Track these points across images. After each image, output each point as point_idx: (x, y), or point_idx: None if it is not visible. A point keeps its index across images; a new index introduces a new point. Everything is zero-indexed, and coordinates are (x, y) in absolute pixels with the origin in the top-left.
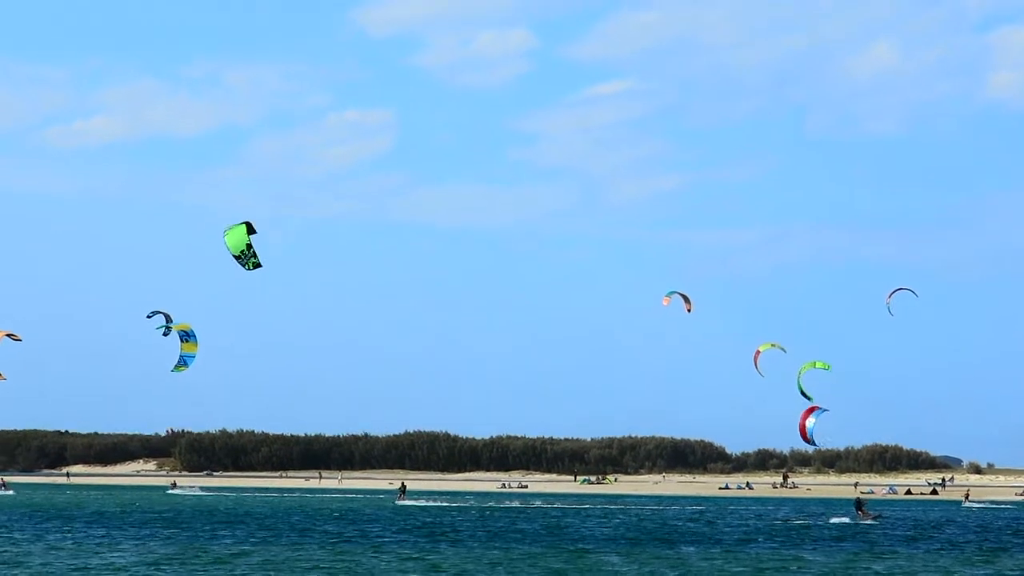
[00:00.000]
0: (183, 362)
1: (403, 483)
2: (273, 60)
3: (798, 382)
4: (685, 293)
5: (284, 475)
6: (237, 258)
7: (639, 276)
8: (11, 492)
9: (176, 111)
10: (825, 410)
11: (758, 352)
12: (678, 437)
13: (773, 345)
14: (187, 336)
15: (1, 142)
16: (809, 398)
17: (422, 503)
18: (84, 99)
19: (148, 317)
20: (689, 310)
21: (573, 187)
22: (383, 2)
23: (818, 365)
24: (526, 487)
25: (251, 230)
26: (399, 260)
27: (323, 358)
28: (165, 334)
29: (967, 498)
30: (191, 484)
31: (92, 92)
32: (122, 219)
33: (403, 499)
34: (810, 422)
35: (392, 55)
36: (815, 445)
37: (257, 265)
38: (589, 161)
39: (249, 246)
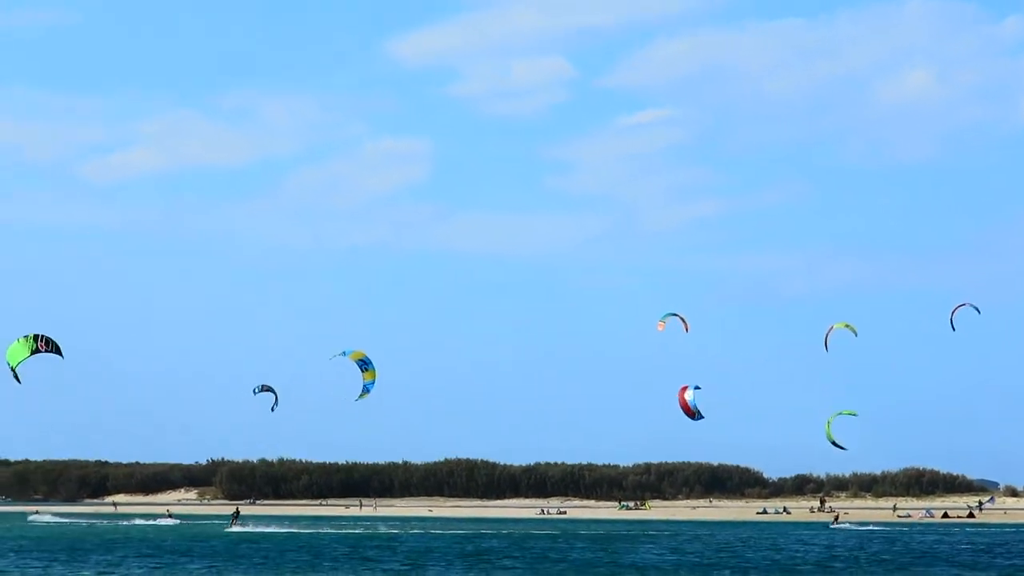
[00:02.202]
0: (365, 390)
1: (237, 509)
2: (309, 91)
3: (827, 432)
4: (680, 314)
5: (324, 503)
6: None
7: (676, 302)
8: (176, 521)
9: (213, 143)
10: (698, 387)
11: (831, 328)
12: (715, 463)
13: (847, 325)
14: (365, 364)
15: (39, 175)
16: (841, 447)
17: (260, 528)
18: (121, 131)
19: (255, 393)
20: (687, 330)
21: (609, 215)
22: (418, 32)
23: (844, 412)
24: (564, 513)
25: (46, 347)
26: (435, 288)
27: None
28: (272, 408)
29: (836, 520)
30: (49, 511)
31: (129, 124)
32: (160, 251)
33: (235, 525)
34: (688, 395)
35: (428, 85)
36: (702, 417)
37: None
38: (625, 189)
39: (13, 368)
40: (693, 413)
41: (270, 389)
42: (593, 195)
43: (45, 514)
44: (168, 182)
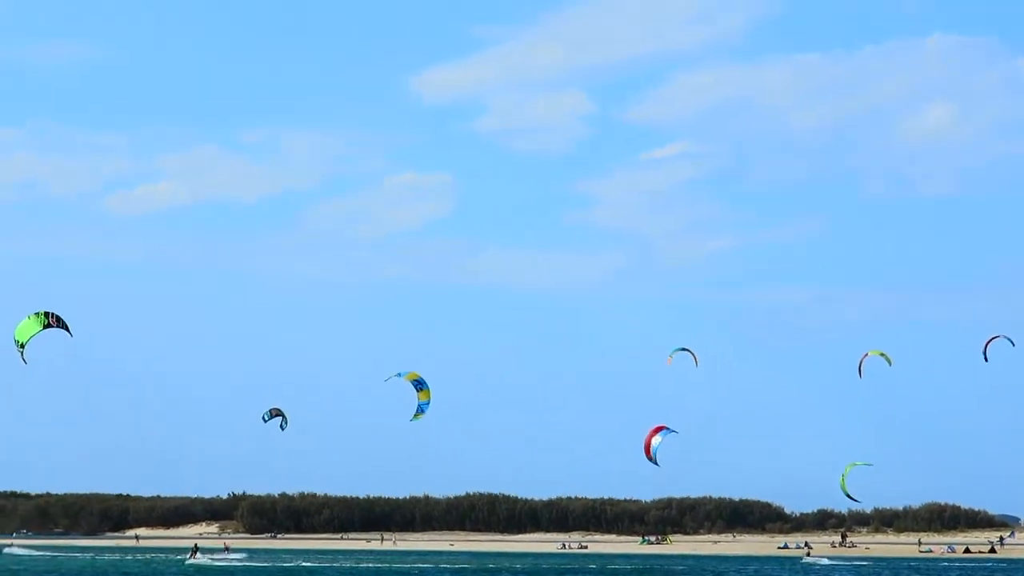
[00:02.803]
0: (420, 410)
1: (196, 544)
2: (332, 125)
3: (842, 484)
4: (690, 348)
5: (345, 537)
6: (15, 343)
7: (695, 337)
8: (239, 555)
9: (236, 177)
10: (674, 431)
11: (866, 355)
12: (736, 498)
13: (881, 354)
14: (420, 384)
15: (64, 209)
16: (854, 499)
17: (218, 562)
18: (145, 165)
19: (265, 420)
20: (696, 364)
21: (629, 250)
22: (441, 67)
23: (859, 464)
24: (586, 547)
25: (55, 323)
26: (455, 323)
27: (382, 419)
28: (283, 427)
29: (808, 555)
30: (21, 543)
31: (153, 158)
32: (182, 284)
33: (195, 558)
34: (656, 440)
35: (450, 120)
36: (657, 464)
37: (23, 358)
38: (645, 223)
39: (23, 345)
40: (652, 459)
41: (279, 413)
42: (613, 230)
43: (15, 546)
44: (191, 216)
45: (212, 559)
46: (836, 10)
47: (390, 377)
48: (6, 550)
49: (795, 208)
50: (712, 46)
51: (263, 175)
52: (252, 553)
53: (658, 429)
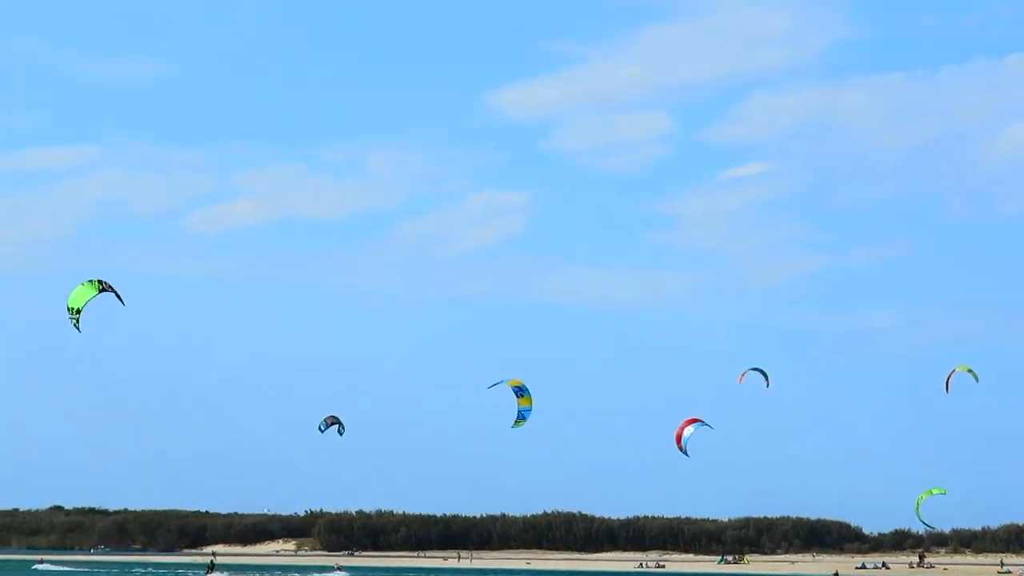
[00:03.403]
0: (521, 416)
1: (212, 559)
2: (412, 144)
3: (917, 511)
4: (763, 368)
5: (422, 555)
6: (68, 310)
7: (775, 358)
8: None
9: (317, 195)
10: (708, 425)
11: (953, 371)
12: (814, 517)
13: (969, 370)
14: (521, 391)
15: (145, 227)
16: (929, 526)
17: None
18: (227, 183)
19: (322, 431)
20: (768, 385)
21: (709, 269)
22: (521, 86)
23: (935, 492)
24: (663, 567)
25: (107, 289)
26: (533, 341)
27: (460, 437)
28: (341, 432)
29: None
30: (60, 559)
31: (234, 176)
32: (263, 302)
33: (211, 574)
34: (688, 431)
35: (529, 138)
36: (687, 456)
37: (76, 327)
38: (725, 244)
39: (80, 309)
40: (683, 450)
41: (336, 421)
42: (692, 250)
43: (46, 562)
44: (272, 234)
45: None
46: (917, 31)
47: (493, 384)
48: (36, 566)
49: (877, 229)
50: (794, 66)
51: (344, 193)
52: (358, 571)
53: (691, 421)
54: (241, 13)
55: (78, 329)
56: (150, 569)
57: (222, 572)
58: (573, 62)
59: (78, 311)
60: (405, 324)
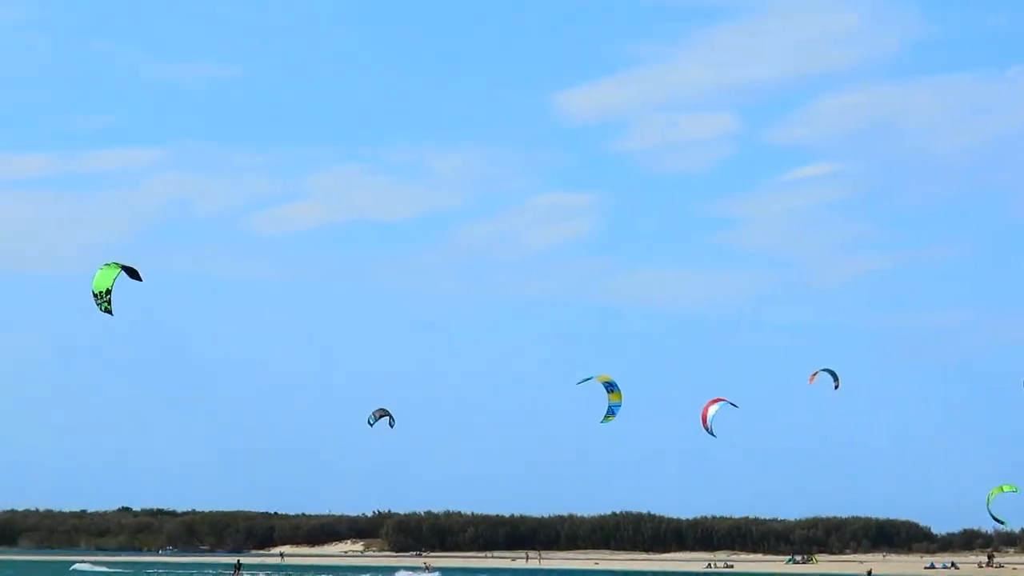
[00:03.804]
0: (611, 412)
1: (238, 561)
2: (476, 145)
3: (988, 508)
4: (833, 370)
5: (490, 555)
6: (95, 296)
7: (842, 358)
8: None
9: (380, 196)
10: (733, 404)
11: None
12: (882, 517)
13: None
14: (611, 386)
15: (207, 228)
16: (1001, 522)
17: None
18: (289, 185)
19: (371, 424)
20: (836, 387)
21: (776, 271)
22: (586, 88)
23: (1006, 489)
24: (731, 567)
25: (133, 275)
26: (599, 342)
27: (528, 438)
28: (392, 425)
29: (869, 574)
30: (95, 560)
31: (296, 178)
32: (326, 304)
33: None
34: (712, 410)
35: (594, 139)
36: (714, 436)
37: (108, 311)
38: (791, 244)
39: (108, 291)
40: (708, 428)
41: (385, 413)
42: (758, 250)
43: (86, 563)
44: (335, 235)
45: None
46: (985, 31)
47: (583, 380)
48: (76, 566)
49: (943, 229)
50: (859, 66)
51: (408, 195)
52: (448, 572)
53: (714, 401)
54: (305, 15)
55: (110, 312)
56: (204, 570)
57: (254, 574)
58: (638, 63)
59: (107, 291)
60: (469, 326)
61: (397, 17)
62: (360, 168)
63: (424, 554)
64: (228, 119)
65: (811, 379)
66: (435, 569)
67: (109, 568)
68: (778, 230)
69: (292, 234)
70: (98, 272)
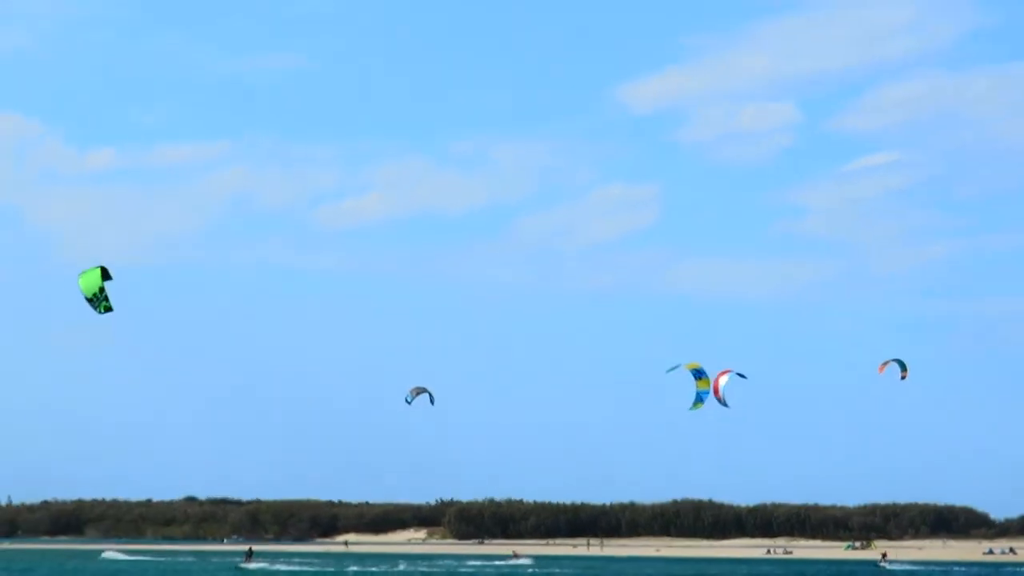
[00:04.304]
0: (699, 399)
1: (250, 548)
2: (539, 137)
3: None
4: (902, 360)
5: (551, 543)
6: (89, 301)
7: (905, 346)
8: (527, 561)
9: (444, 188)
10: (742, 375)
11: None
12: (941, 503)
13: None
14: (699, 373)
15: (273, 221)
16: None
17: (276, 566)
18: (353, 178)
19: (409, 402)
20: (903, 377)
21: (838, 259)
22: (647, 79)
23: None
24: (791, 553)
25: (106, 275)
26: (661, 331)
27: (588, 427)
28: (432, 401)
29: (884, 558)
30: (120, 548)
31: (361, 171)
32: (390, 295)
33: (249, 562)
34: (723, 381)
35: (656, 130)
36: (727, 406)
37: (108, 309)
38: (853, 233)
39: (102, 290)
40: (721, 399)
41: (423, 391)
42: (821, 239)
43: (112, 551)
44: (399, 228)
45: (268, 565)
46: None
47: (672, 368)
48: (105, 554)
49: (1006, 216)
50: (921, 56)
51: (471, 186)
52: (539, 560)
53: (724, 372)
54: (370, 9)
55: (111, 309)
56: (231, 558)
57: (271, 561)
58: (700, 55)
59: (101, 291)
60: (533, 317)
61: (462, 11)
62: (424, 161)
63: (486, 542)
64: (293, 113)
65: (881, 369)
66: (524, 556)
67: (137, 556)
68: (840, 219)
69: (356, 227)
70: (80, 278)
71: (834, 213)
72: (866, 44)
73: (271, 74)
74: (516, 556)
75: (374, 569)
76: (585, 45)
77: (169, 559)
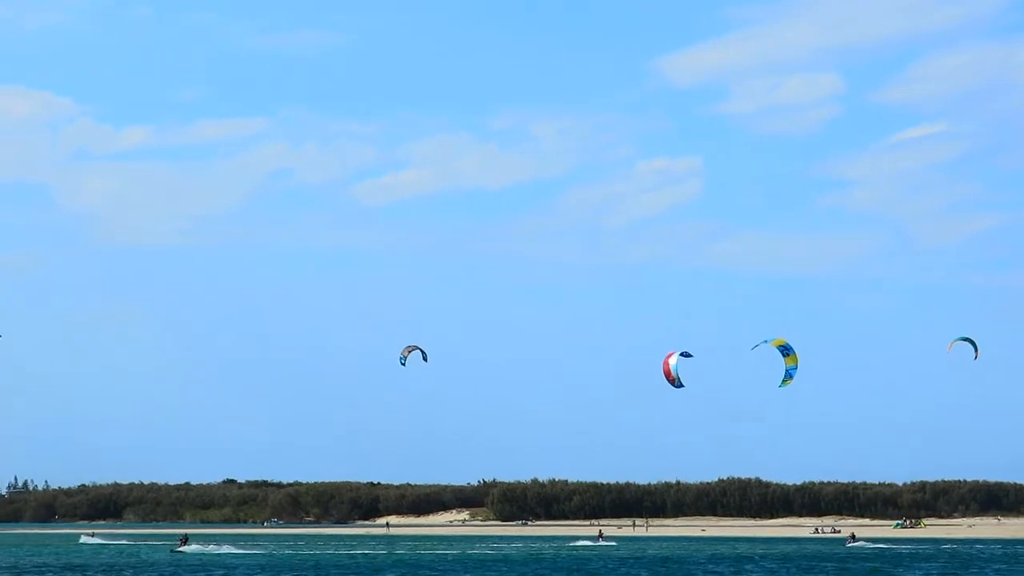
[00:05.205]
0: (788, 375)
1: (186, 534)
2: (581, 111)
3: None
4: (973, 339)
5: (595, 523)
6: None
7: (950, 318)
8: (613, 543)
9: (485, 164)
10: (689, 354)
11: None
12: (992, 480)
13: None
14: (787, 350)
15: (312, 197)
16: None
17: (208, 549)
18: (393, 153)
19: (403, 364)
20: (976, 356)
21: (883, 232)
22: (688, 51)
23: None
24: (839, 532)
25: None
26: (706, 306)
27: (633, 405)
28: (424, 358)
29: (853, 538)
30: (108, 532)
31: (401, 146)
32: (431, 271)
33: (183, 546)
34: (672, 361)
35: (698, 104)
36: (681, 385)
37: None
38: (899, 205)
39: None
40: (674, 380)
41: (415, 348)
42: (867, 212)
43: (95, 535)
44: (440, 203)
45: (202, 547)
46: None
47: (756, 345)
48: (83, 539)
49: None
50: (967, 25)
51: (513, 162)
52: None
53: (671, 354)
54: None
55: None
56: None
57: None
58: (741, 25)
59: None
60: (576, 292)
61: None
62: (464, 136)
63: (530, 523)
64: (331, 88)
65: (949, 348)
66: (609, 538)
67: (115, 541)
68: (885, 191)
69: (396, 203)
70: None
71: (879, 186)
72: (911, 13)
73: (309, 50)
74: (602, 537)
75: (309, 552)
76: (626, 18)
77: (138, 544)
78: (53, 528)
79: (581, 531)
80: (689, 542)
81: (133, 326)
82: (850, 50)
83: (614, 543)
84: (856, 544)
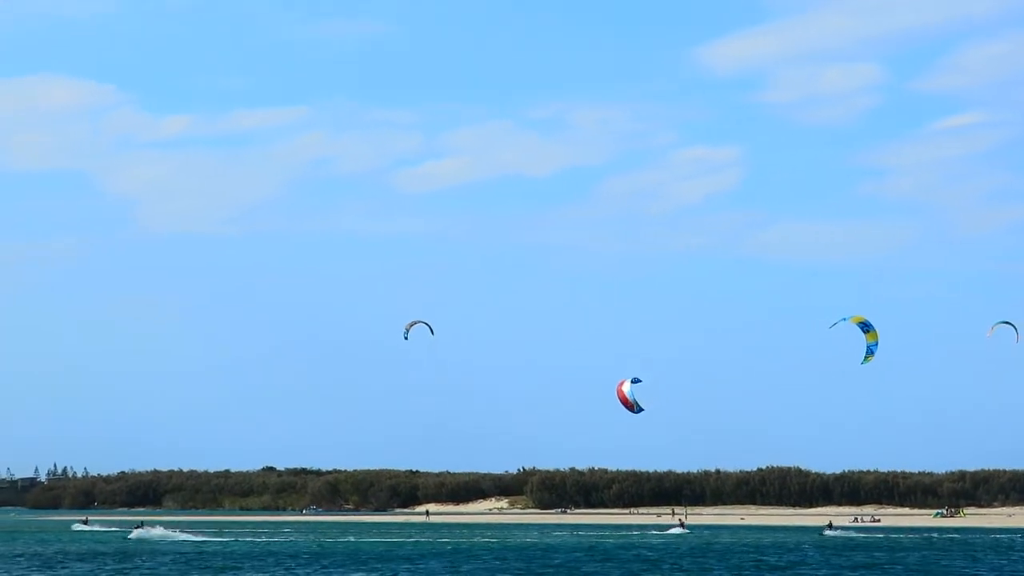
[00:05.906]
0: (870, 351)
1: (141, 521)
2: (619, 100)
3: None
4: (1013, 323)
5: (634, 512)
6: None
7: (991, 308)
8: (686, 531)
9: (524, 152)
10: (639, 380)
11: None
12: None
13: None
14: (867, 327)
15: (353, 185)
16: None
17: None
18: (433, 142)
19: (406, 338)
20: (1017, 340)
21: (924, 221)
22: (728, 40)
23: None
24: (878, 521)
25: None
26: (745, 295)
27: (672, 393)
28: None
29: (830, 526)
30: (102, 519)
31: (441, 135)
32: (471, 259)
33: (135, 532)
34: (626, 387)
35: (738, 92)
36: (641, 409)
37: None
38: (940, 194)
39: None
40: (632, 406)
41: (417, 323)
42: (907, 201)
43: (93, 523)
44: (479, 192)
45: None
46: None
47: (835, 323)
48: (75, 527)
49: None
50: (1008, 13)
51: (552, 150)
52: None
53: (622, 383)
54: None
55: None
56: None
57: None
58: (781, 15)
59: None
60: (616, 281)
61: None
62: (504, 125)
63: (570, 511)
64: (372, 77)
65: (989, 332)
66: (688, 526)
67: (108, 528)
68: (925, 180)
69: (436, 192)
70: None
71: (919, 174)
72: (950, 2)
73: (350, 39)
74: (683, 525)
75: (267, 538)
76: (666, 6)
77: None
78: (57, 515)
79: (621, 519)
80: (747, 531)
81: (173, 313)
82: (889, 39)
83: (687, 530)
84: (828, 532)
